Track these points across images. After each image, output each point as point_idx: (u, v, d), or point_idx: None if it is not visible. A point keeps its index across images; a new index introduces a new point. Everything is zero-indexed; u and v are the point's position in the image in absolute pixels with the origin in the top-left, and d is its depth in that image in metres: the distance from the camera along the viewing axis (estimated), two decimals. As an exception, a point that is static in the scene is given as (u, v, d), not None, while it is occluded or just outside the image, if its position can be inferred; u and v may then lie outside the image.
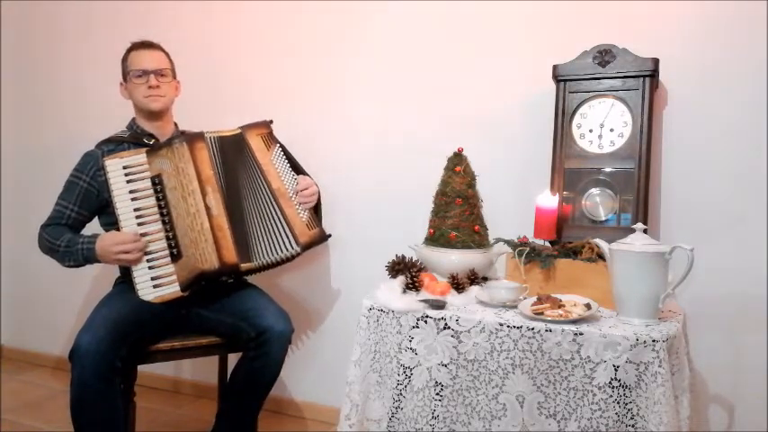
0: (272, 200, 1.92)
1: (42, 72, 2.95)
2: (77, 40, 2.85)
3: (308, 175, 2.04)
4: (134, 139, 1.99)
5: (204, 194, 1.83)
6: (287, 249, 1.91)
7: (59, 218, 1.94)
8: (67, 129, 2.87)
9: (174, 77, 2.07)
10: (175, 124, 2.11)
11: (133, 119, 2.05)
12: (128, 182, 1.82)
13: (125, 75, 2.02)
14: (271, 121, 2.04)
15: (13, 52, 3.02)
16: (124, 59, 2.03)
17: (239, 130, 1.96)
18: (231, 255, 1.83)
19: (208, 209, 1.83)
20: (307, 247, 1.94)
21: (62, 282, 2.90)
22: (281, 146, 2.02)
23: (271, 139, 2.00)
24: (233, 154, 1.93)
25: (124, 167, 1.82)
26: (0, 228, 3.08)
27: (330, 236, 2.02)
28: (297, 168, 2.03)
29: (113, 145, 1.99)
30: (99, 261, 1.85)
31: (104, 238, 1.83)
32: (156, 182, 1.83)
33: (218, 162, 1.89)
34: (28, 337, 3.04)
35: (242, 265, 1.86)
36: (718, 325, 1.85)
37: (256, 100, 2.47)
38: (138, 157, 1.85)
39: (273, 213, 1.92)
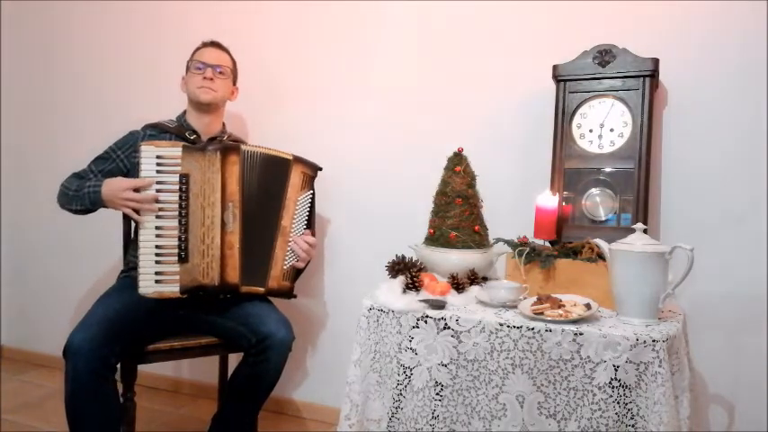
0: (273, 233, 1.92)
1: (43, 74, 2.96)
2: (85, 40, 2.86)
3: (314, 235, 2.04)
4: (177, 131, 2.01)
5: (224, 209, 1.83)
6: (254, 285, 1.89)
7: (82, 176, 1.96)
8: (69, 131, 2.87)
9: (234, 82, 2.10)
10: (223, 124, 2.12)
11: (184, 111, 2.08)
12: (157, 171, 1.80)
13: (188, 68, 2.06)
14: (320, 168, 2.05)
15: (12, 52, 3.02)
16: (192, 55, 2.06)
17: (290, 157, 1.96)
18: (235, 274, 1.83)
19: (223, 224, 1.82)
20: (270, 293, 1.92)
21: (62, 282, 2.91)
22: (313, 195, 2.03)
23: (308, 183, 2.01)
24: (269, 174, 1.92)
25: (158, 156, 1.80)
26: (0, 229, 3.07)
27: (296, 296, 2.00)
28: (310, 222, 2.03)
29: (157, 131, 2.02)
30: (106, 206, 1.85)
31: (112, 182, 1.84)
32: (184, 181, 1.81)
33: (248, 178, 1.88)
34: (28, 337, 3.04)
35: (243, 287, 1.86)
36: (718, 325, 1.85)
37: (255, 100, 2.47)
38: (174, 151, 1.82)
39: (265, 245, 1.91)
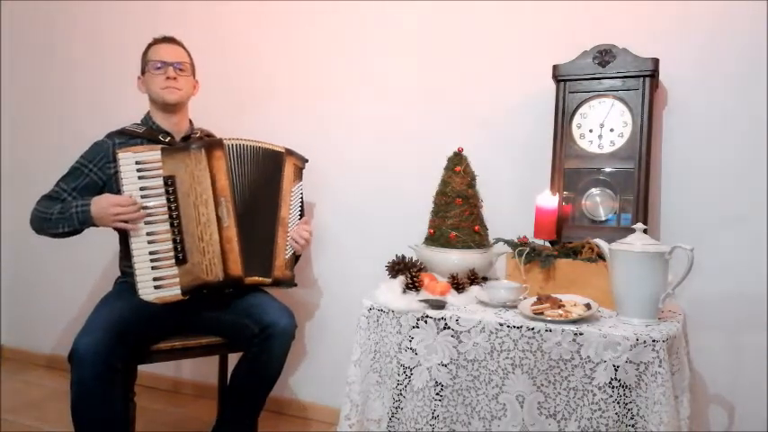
0: (273, 224, 1.93)
1: (43, 73, 2.96)
2: (83, 41, 2.86)
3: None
4: (149, 135, 1.96)
5: (217, 205, 1.82)
6: (259, 275, 1.90)
7: (55, 198, 1.90)
8: (69, 129, 2.87)
9: (194, 75, 2.05)
10: (190, 121, 2.09)
11: (148, 113, 2.02)
12: (139, 178, 1.78)
13: (144, 68, 2.00)
14: (307, 160, 2.08)
15: (12, 52, 3.02)
16: (144, 53, 2.01)
17: (283, 150, 1.98)
18: (237, 267, 1.84)
19: (219, 219, 1.82)
20: (275, 282, 1.93)
21: (62, 282, 2.91)
22: (302, 186, 2.05)
23: (299, 174, 2.04)
24: (263, 167, 1.93)
25: (137, 162, 1.78)
26: (0, 229, 3.07)
27: (296, 285, 2.02)
28: (302, 211, 2.06)
29: (125, 138, 1.95)
30: (96, 225, 1.81)
31: (100, 200, 1.80)
32: (169, 183, 1.79)
33: (235, 171, 1.88)
34: (28, 337, 3.04)
35: (246, 278, 1.86)
36: (718, 325, 1.85)
37: (254, 100, 2.47)
38: (153, 155, 1.80)
39: (267, 236, 1.92)
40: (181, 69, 1.97)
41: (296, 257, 2.04)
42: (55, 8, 2.90)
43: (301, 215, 2.06)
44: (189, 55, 2.04)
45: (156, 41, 2.01)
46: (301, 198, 2.05)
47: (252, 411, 1.88)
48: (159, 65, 1.95)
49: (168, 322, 1.86)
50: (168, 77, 1.94)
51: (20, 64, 3.01)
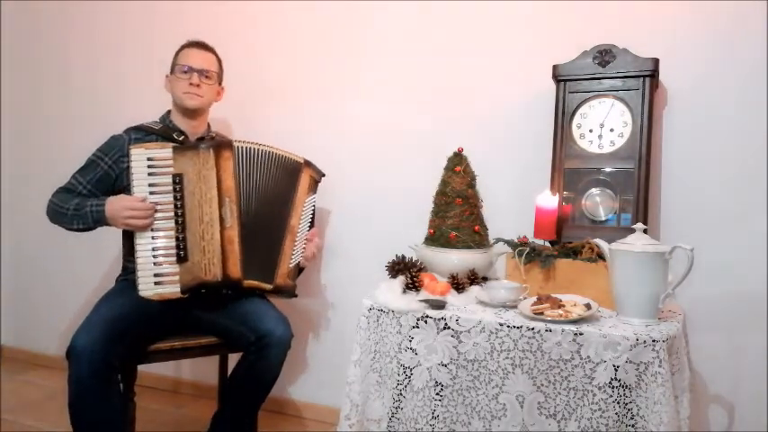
0: (282, 231, 1.93)
1: (44, 70, 2.95)
2: (82, 39, 2.86)
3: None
4: (164, 132, 1.98)
5: (221, 205, 1.83)
6: (261, 281, 1.89)
7: (71, 190, 1.93)
8: (69, 129, 2.87)
9: (220, 83, 2.06)
10: (208, 125, 2.10)
11: (168, 112, 2.05)
12: (149, 174, 1.80)
13: (172, 68, 2.02)
14: (324, 175, 2.10)
15: (12, 52, 3.02)
16: (176, 54, 2.03)
17: (302, 161, 2.00)
18: (236, 269, 1.83)
19: (221, 219, 1.82)
20: (277, 290, 1.93)
21: (63, 282, 2.91)
22: (315, 198, 2.06)
23: (314, 187, 2.05)
24: (280, 175, 1.94)
25: (148, 159, 1.80)
26: (0, 228, 3.07)
27: (297, 296, 2.01)
28: (312, 223, 2.06)
29: (142, 134, 1.98)
30: (108, 224, 1.83)
31: (114, 201, 1.81)
32: (177, 181, 1.81)
33: (243, 174, 1.88)
34: (28, 337, 3.04)
35: (245, 281, 1.86)
36: (718, 325, 1.85)
37: (254, 100, 2.47)
38: (164, 152, 1.82)
39: (273, 242, 1.92)
40: (206, 77, 1.99)
41: (299, 269, 2.03)
42: (54, 8, 2.90)
43: (311, 227, 2.05)
44: (219, 62, 2.06)
45: (189, 44, 2.03)
46: (313, 210, 2.05)
47: (251, 410, 1.89)
48: (185, 69, 1.97)
49: (168, 321, 1.86)
50: (191, 83, 1.96)
51: (20, 64, 3.01)
